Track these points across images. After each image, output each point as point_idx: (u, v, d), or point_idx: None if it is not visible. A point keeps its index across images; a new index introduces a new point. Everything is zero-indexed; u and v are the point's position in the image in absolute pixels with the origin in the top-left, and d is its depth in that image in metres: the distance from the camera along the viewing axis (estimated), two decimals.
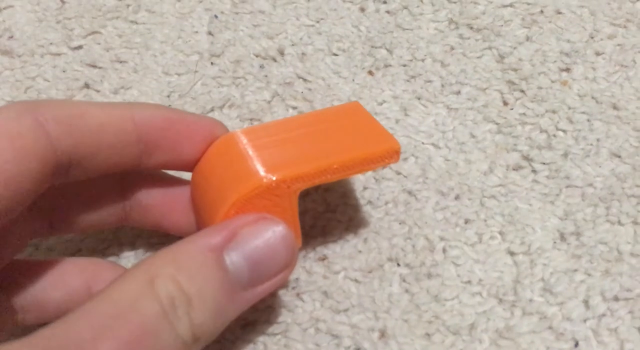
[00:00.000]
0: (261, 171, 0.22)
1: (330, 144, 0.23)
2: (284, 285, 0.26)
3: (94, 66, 0.33)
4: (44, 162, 0.20)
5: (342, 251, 0.27)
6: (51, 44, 0.34)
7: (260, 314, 0.25)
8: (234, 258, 0.20)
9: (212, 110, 0.31)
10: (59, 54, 0.33)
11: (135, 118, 0.22)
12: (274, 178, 0.22)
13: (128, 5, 0.35)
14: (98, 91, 0.32)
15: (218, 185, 0.23)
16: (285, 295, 0.26)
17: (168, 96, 0.32)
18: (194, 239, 0.20)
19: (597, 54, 0.31)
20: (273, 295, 0.26)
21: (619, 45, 0.31)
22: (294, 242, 0.22)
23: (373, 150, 0.23)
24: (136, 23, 0.34)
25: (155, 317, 0.18)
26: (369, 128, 0.24)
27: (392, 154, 0.24)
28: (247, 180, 0.22)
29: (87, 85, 0.32)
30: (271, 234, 0.21)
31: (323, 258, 0.27)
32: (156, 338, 0.18)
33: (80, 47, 0.33)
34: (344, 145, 0.23)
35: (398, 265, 0.27)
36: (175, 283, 0.19)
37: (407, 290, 0.26)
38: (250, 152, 0.22)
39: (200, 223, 0.24)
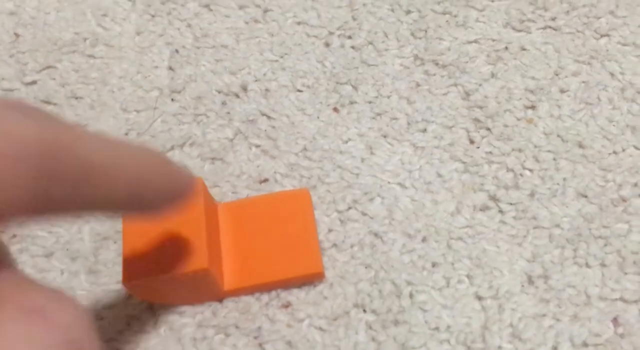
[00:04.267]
0: (205, 257, 0.23)
1: (263, 255, 0.26)
2: None
3: (49, 102, 0.32)
4: None
5: (306, 297, 0.26)
6: (3, 79, 0.32)
7: None
8: None
9: (172, 148, 0.30)
10: (11, 90, 0.32)
11: None
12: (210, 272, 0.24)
13: (85, 39, 0.34)
14: None
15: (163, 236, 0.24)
16: (247, 346, 0.25)
17: (126, 134, 0.31)
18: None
19: (562, 91, 0.31)
20: (235, 345, 0.25)
21: (583, 82, 0.31)
22: None
23: (298, 274, 0.26)
24: (93, 57, 0.33)
25: None
26: (304, 240, 0.26)
27: (316, 277, 0.26)
28: (192, 258, 0.23)
29: None
30: None
31: (287, 305, 0.26)
32: None
33: (34, 82, 0.32)
34: (274, 260, 0.26)
35: (364, 311, 0.26)
36: None
37: (373, 339, 0.25)
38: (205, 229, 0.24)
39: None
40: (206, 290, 0.25)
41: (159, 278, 0.23)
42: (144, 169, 0.19)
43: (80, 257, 0.28)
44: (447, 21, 0.33)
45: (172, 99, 0.32)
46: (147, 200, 0.19)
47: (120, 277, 0.24)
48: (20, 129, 0.15)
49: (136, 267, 0.23)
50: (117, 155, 0.18)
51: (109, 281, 0.27)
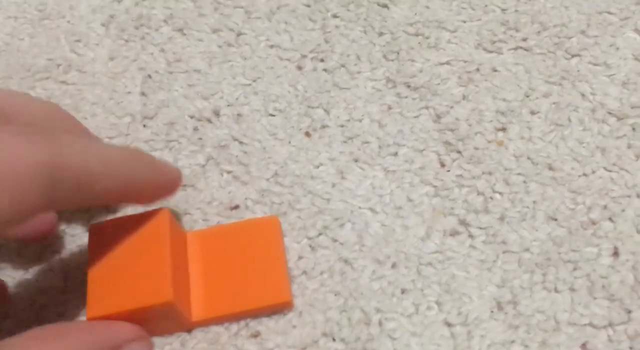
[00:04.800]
0: (170, 290, 0.23)
1: (231, 286, 0.26)
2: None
3: None
4: None
5: (276, 326, 0.26)
6: None
7: None
8: None
9: None
10: None
11: None
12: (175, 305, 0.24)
13: (58, 65, 0.34)
14: None
15: (128, 266, 0.24)
16: None
17: None
18: None
19: (533, 113, 0.31)
20: None
21: (554, 103, 0.31)
22: None
23: (266, 304, 0.26)
24: (66, 83, 0.33)
25: None
26: (272, 267, 0.26)
27: (285, 306, 0.26)
28: (157, 291, 0.23)
29: None
30: None
31: (256, 335, 0.26)
32: None
33: None
34: (241, 290, 0.26)
35: (333, 340, 0.26)
36: None
37: None
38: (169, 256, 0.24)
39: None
40: (173, 321, 0.25)
41: (123, 312, 0.23)
42: (133, 167, 0.23)
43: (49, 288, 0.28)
44: (419, 43, 0.33)
45: (144, 125, 0.32)
46: (140, 193, 0.24)
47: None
48: (30, 153, 0.19)
49: (100, 301, 0.23)
50: (110, 158, 0.22)
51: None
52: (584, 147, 0.30)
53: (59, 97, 0.33)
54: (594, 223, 0.28)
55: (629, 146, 0.29)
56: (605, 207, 0.28)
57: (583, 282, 0.26)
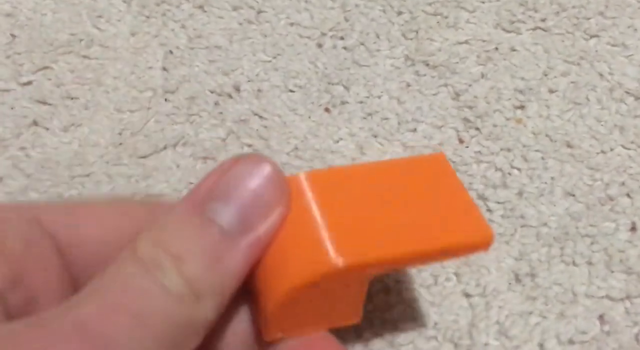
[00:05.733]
0: (331, 250, 0.18)
1: (413, 221, 0.19)
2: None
3: (44, 103, 0.32)
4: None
5: None
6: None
7: None
8: (218, 208, 0.19)
9: (165, 148, 0.31)
10: (7, 90, 0.32)
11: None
12: (346, 262, 0.18)
13: (81, 40, 0.34)
14: (47, 129, 0.31)
15: (278, 248, 0.19)
16: None
17: (120, 134, 0.31)
18: (175, 204, 0.20)
19: (551, 91, 0.31)
20: None
21: (572, 82, 0.31)
22: (283, 180, 0.19)
23: (461, 240, 0.20)
24: (89, 58, 0.34)
25: (136, 276, 0.17)
26: (457, 202, 0.20)
27: (483, 245, 0.20)
28: (314, 258, 0.18)
29: (35, 123, 0.31)
30: (251, 174, 0.19)
31: None
32: (142, 295, 0.17)
33: (29, 82, 0.33)
34: (427, 226, 0.20)
35: None
36: (158, 244, 0.18)
37: (360, 336, 0.25)
38: (318, 213, 0.19)
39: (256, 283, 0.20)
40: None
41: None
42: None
43: None
44: (438, 22, 0.34)
45: (166, 99, 0.32)
46: None
47: None
48: None
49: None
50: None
51: None
52: (602, 125, 0.30)
53: (81, 71, 0.33)
54: (611, 199, 0.28)
55: None
56: (622, 183, 0.28)
57: (600, 256, 0.27)
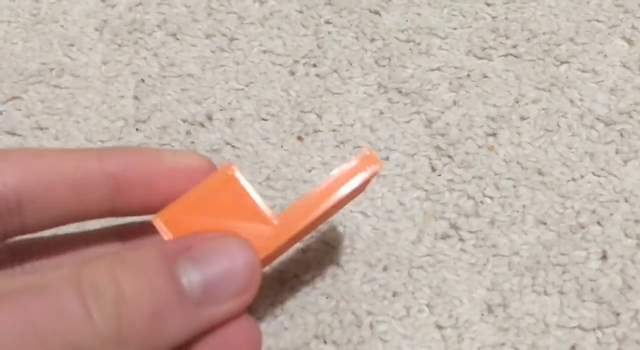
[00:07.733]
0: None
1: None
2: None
3: (13, 134, 0.32)
4: None
5: (267, 328, 0.26)
6: None
7: None
8: (188, 269, 0.19)
9: None
10: None
11: (103, 158, 0.21)
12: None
13: (52, 69, 0.34)
14: None
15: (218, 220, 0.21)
16: None
17: None
18: (148, 244, 0.19)
19: (522, 118, 0.31)
20: None
21: (543, 109, 0.31)
22: (257, 267, 0.20)
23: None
24: (59, 87, 0.33)
25: (67, 290, 0.16)
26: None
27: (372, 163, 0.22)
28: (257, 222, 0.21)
29: None
30: (233, 253, 0.19)
31: None
32: (67, 323, 0.16)
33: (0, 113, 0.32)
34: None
35: (325, 342, 0.26)
36: (110, 272, 0.17)
37: None
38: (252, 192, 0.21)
39: None
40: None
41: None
42: None
43: None
44: (410, 49, 0.34)
45: (137, 129, 0.32)
46: None
47: None
48: None
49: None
50: None
51: None
52: (572, 152, 0.30)
53: (52, 101, 0.33)
54: (582, 227, 0.28)
55: (617, 151, 0.30)
56: (593, 211, 0.28)
57: (572, 286, 0.27)
